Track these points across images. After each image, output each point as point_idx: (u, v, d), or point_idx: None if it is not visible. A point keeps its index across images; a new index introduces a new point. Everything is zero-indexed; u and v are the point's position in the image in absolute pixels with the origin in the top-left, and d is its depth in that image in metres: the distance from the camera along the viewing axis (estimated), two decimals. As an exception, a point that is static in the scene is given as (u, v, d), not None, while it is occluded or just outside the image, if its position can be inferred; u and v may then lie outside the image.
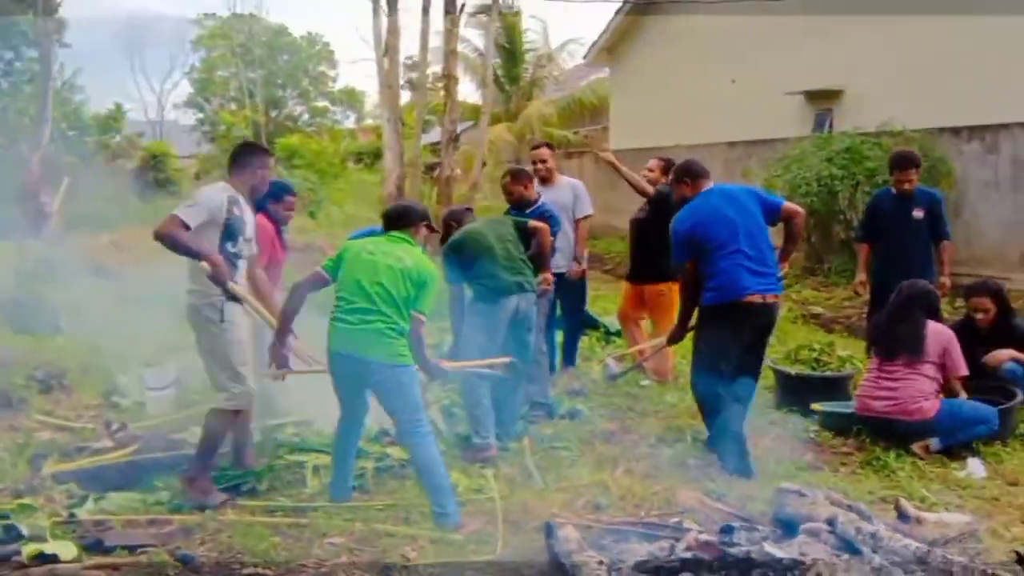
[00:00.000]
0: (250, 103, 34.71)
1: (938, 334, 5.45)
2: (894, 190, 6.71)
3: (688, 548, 3.87)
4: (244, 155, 4.76)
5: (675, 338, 5.45)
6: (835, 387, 6.08)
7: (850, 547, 3.78)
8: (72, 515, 4.27)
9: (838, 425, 5.62)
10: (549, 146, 7.22)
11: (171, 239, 4.29)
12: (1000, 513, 4.32)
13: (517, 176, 6.29)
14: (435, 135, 22.44)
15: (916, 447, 5.21)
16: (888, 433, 5.32)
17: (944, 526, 3.98)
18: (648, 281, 6.82)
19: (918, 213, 6.55)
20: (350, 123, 45.39)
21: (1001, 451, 5.17)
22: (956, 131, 11.01)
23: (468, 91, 26.36)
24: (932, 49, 13.69)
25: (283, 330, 4.49)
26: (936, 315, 5.52)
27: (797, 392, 6.04)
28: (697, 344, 5.17)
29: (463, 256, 5.44)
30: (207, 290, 4.44)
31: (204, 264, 4.30)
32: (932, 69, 13.57)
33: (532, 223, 5.79)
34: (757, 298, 4.91)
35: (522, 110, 24.15)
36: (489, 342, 5.29)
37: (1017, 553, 3.48)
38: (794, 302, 10.45)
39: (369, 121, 42.85)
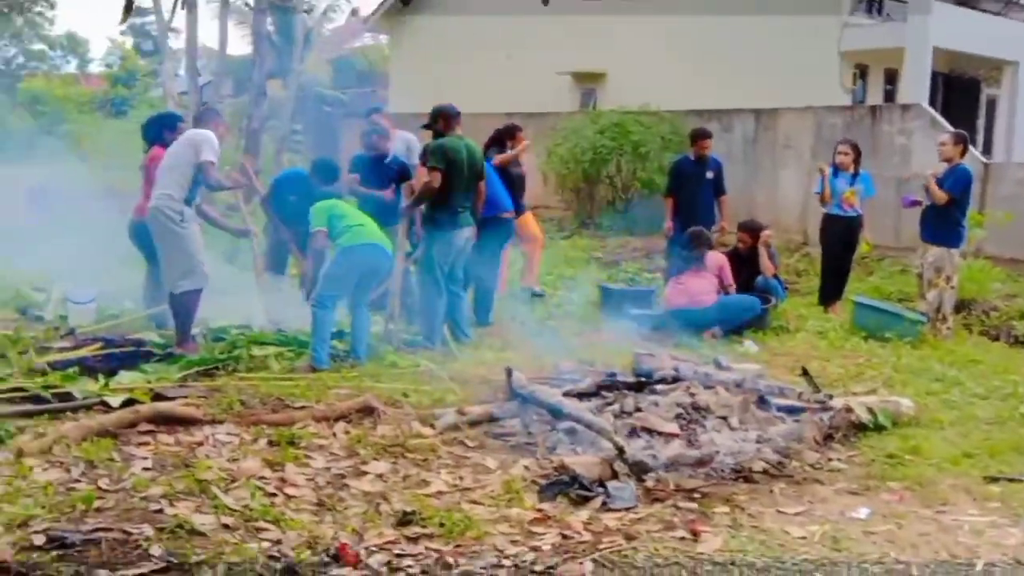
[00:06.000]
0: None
1: (714, 256, 7.82)
2: (692, 156, 8.86)
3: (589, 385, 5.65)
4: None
5: None
6: (645, 298, 8.19)
7: (691, 385, 5.71)
8: (106, 383, 5.19)
9: (652, 324, 7.64)
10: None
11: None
12: (771, 368, 6.50)
13: None
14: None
15: (706, 334, 7.36)
16: (686, 324, 7.41)
17: (745, 371, 6.04)
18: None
19: (710, 175, 8.76)
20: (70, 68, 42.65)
21: (763, 337, 7.45)
22: (700, 113, 13.63)
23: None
24: (682, 44, 16.56)
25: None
26: (711, 246, 7.94)
27: (619, 303, 8.04)
28: None
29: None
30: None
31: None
32: (681, 61, 16.42)
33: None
34: None
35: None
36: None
37: (803, 368, 5.59)
38: (580, 249, 12.61)
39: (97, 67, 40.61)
